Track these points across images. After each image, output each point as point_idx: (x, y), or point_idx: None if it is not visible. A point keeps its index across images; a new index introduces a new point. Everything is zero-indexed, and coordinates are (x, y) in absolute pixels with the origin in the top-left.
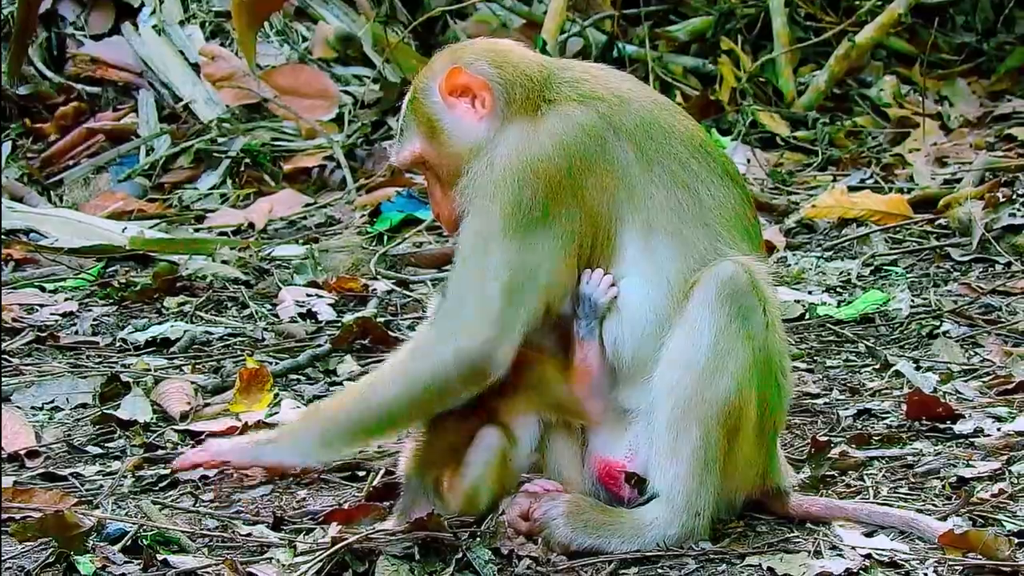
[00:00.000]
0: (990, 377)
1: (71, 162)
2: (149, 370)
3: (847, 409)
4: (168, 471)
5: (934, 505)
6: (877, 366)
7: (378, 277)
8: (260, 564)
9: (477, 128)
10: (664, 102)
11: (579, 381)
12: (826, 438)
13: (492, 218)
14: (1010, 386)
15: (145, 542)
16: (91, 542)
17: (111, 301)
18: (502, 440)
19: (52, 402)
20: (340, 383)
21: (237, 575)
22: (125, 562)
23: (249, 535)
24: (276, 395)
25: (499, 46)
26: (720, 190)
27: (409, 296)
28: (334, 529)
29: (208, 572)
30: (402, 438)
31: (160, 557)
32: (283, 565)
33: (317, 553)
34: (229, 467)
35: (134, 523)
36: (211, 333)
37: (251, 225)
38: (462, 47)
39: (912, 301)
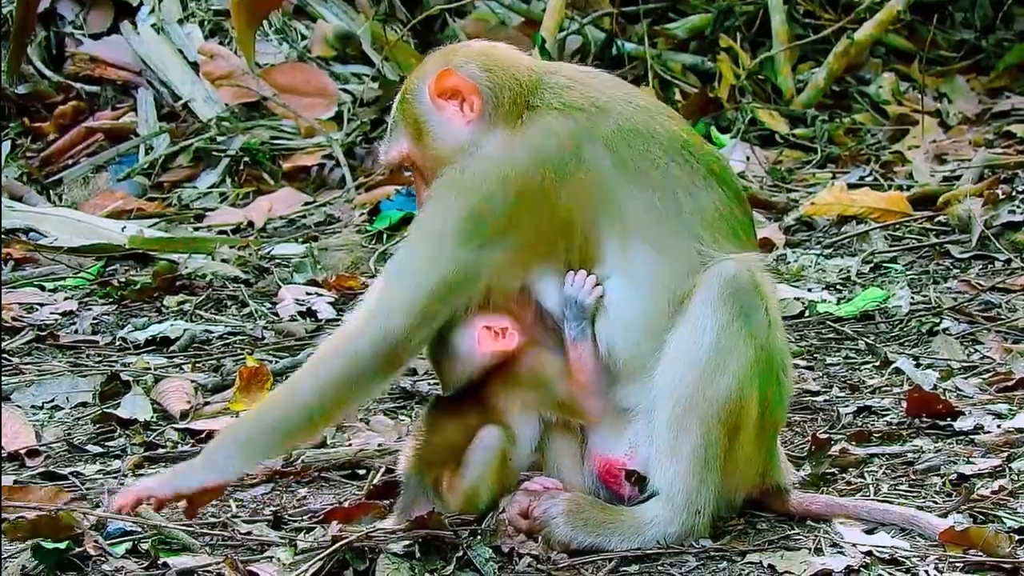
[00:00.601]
0: (990, 374)
1: (70, 161)
2: (149, 369)
3: (847, 406)
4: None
5: (934, 502)
6: (877, 363)
7: (377, 275)
8: (260, 563)
9: (463, 131)
10: (647, 105)
11: (575, 381)
12: (826, 435)
13: (447, 220)
14: (1010, 383)
15: (146, 546)
16: (88, 542)
17: (111, 300)
18: (502, 439)
19: (52, 401)
20: None
21: (238, 574)
22: (122, 556)
23: (249, 533)
24: None
25: (492, 49)
26: (702, 192)
27: None
28: (334, 528)
29: (209, 571)
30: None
31: (161, 559)
32: (284, 564)
33: (317, 552)
34: (153, 503)
35: (134, 523)
36: (211, 332)
37: (250, 224)
38: (454, 49)
39: (912, 298)
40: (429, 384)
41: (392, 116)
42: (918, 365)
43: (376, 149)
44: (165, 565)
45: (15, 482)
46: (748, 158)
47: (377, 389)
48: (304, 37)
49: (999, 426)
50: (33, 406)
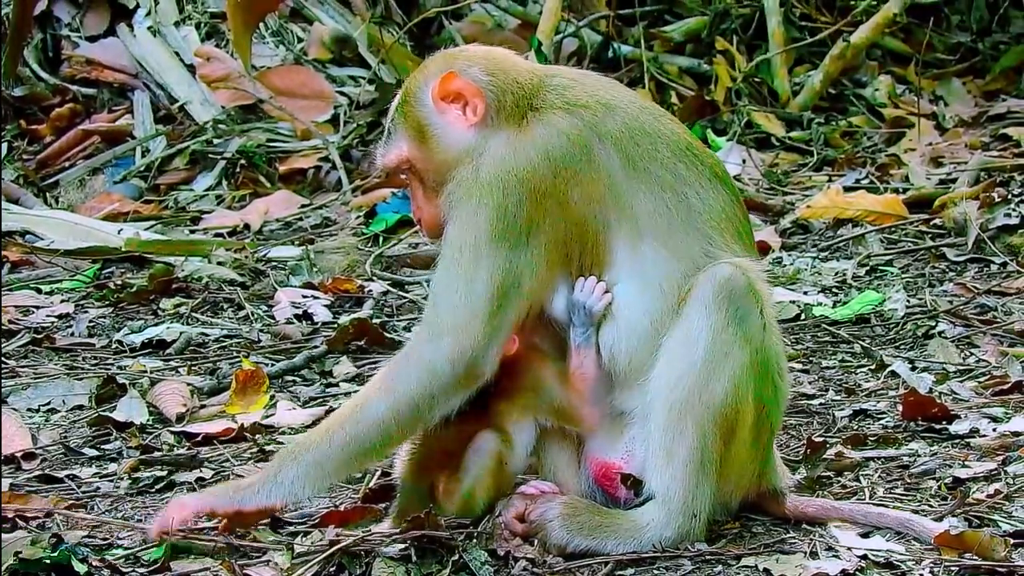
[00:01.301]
0: (986, 377)
1: (67, 164)
2: (145, 372)
3: (843, 410)
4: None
5: (930, 506)
6: (873, 366)
7: (374, 278)
8: (257, 567)
9: (466, 135)
10: (650, 107)
11: (576, 388)
12: (822, 439)
13: (478, 225)
14: (1006, 386)
15: (147, 557)
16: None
17: (107, 303)
18: (498, 444)
19: (48, 404)
20: (336, 384)
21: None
22: (119, 560)
23: (244, 537)
24: (272, 397)
25: (493, 53)
26: (709, 193)
27: (405, 297)
28: (331, 532)
29: (206, 574)
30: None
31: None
32: (281, 568)
33: (314, 555)
34: (215, 516)
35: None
36: (207, 335)
37: (247, 226)
38: (455, 53)
39: (908, 301)
40: None
41: (390, 119)
42: (914, 368)
43: (372, 152)
44: (166, 568)
45: (12, 485)
46: (744, 161)
47: (454, 405)
48: (300, 40)
49: (995, 429)
50: (29, 409)
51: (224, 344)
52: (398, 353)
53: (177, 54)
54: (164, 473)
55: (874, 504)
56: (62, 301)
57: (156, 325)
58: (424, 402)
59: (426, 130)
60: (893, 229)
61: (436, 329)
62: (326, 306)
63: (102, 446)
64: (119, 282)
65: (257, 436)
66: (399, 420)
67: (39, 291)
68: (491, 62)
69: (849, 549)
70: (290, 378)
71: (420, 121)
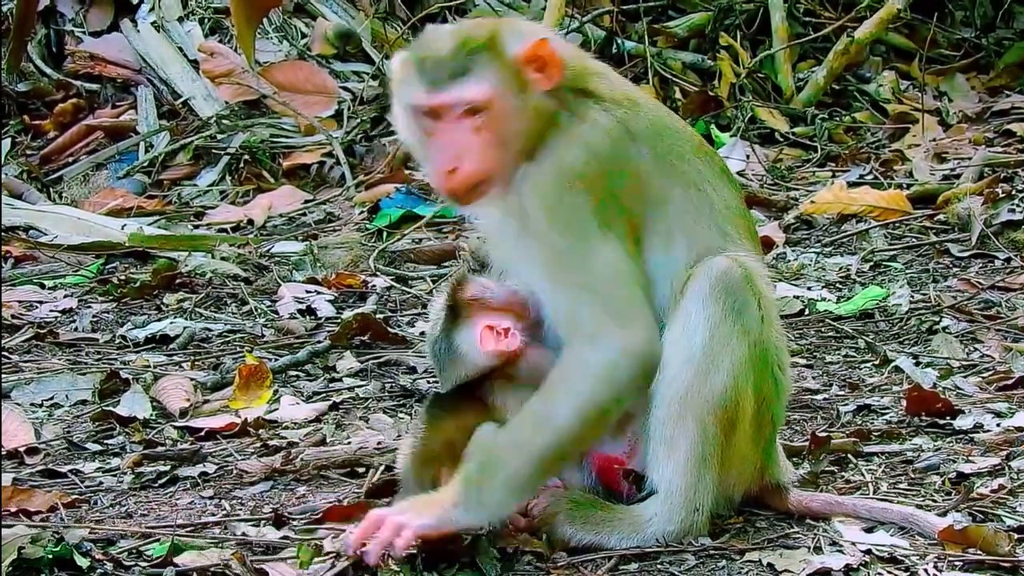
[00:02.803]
0: (990, 373)
1: (70, 159)
2: (148, 367)
3: (847, 405)
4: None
5: (934, 501)
6: (876, 362)
7: (377, 273)
8: (272, 562)
9: (544, 101)
10: (658, 103)
11: None
12: (825, 434)
13: (569, 225)
14: (1009, 381)
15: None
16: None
17: (110, 298)
18: None
19: (51, 399)
20: (339, 379)
21: (247, 569)
22: (125, 554)
23: (245, 534)
24: (275, 391)
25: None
26: (724, 189)
27: (408, 292)
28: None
29: (215, 570)
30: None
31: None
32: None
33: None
34: (429, 536)
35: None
36: (210, 330)
37: (250, 222)
38: (516, 22)
39: (911, 297)
40: (428, 382)
41: (471, 56)
42: (918, 364)
43: (376, 147)
44: (172, 564)
45: (14, 480)
46: (748, 156)
47: (642, 394)
48: (304, 35)
49: (998, 425)
50: (32, 404)
51: (227, 339)
52: (557, 371)
53: (181, 49)
54: (167, 468)
55: (878, 499)
56: (65, 296)
57: (160, 320)
58: (610, 404)
59: (511, 81)
60: (897, 225)
61: (592, 332)
62: (329, 301)
63: (105, 441)
64: (123, 277)
65: (260, 431)
66: (585, 424)
67: (42, 286)
68: (557, 37)
69: (853, 544)
70: (293, 373)
71: (508, 71)
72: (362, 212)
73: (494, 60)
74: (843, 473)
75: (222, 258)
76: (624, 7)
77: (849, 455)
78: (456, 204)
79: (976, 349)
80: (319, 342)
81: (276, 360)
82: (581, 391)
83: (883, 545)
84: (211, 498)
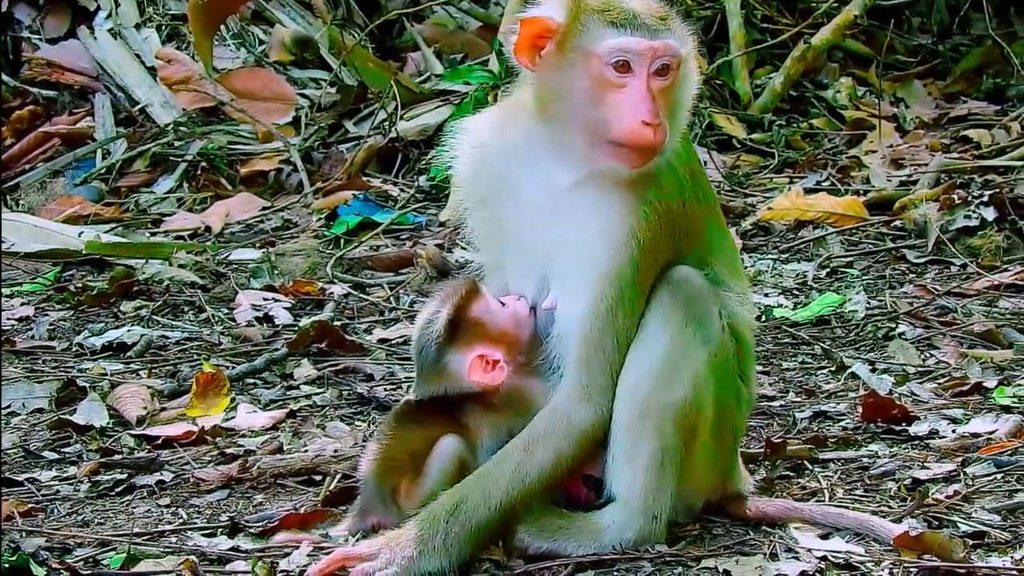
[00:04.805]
0: (945, 379)
1: (27, 166)
2: (105, 374)
3: (803, 411)
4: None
5: (889, 507)
6: (833, 368)
7: (335, 281)
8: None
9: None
10: None
11: None
12: (781, 440)
13: (635, 267)
14: (965, 388)
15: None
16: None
17: (67, 305)
18: (460, 447)
19: (8, 407)
20: (297, 387)
21: None
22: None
23: (201, 541)
24: (232, 399)
25: None
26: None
27: (366, 300)
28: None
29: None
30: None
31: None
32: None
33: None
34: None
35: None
36: (167, 337)
37: (208, 229)
38: None
39: (868, 303)
40: (386, 390)
41: (668, 14)
42: (874, 370)
43: (334, 154)
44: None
45: None
46: (705, 163)
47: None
48: (262, 42)
49: (954, 431)
50: None
51: (185, 347)
52: (547, 411)
53: (138, 56)
54: (124, 476)
55: (834, 505)
56: (22, 304)
57: (117, 328)
58: (572, 463)
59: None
60: (854, 231)
61: (590, 391)
62: (287, 309)
63: (62, 449)
64: (80, 285)
65: (218, 439)
66: (545, 478)
67: None
68: None
69: (809, 550)
70: (251, 381)
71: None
72: (320, 219)
73: (685, 29)
74: (799, 479)
75: (179, 265)
76: None
77: (805, 461)
78: (635, 161)
79: (932, 355)
80: (276, 350)
81: (233, 368)
82: (561, 450)
83: (839, 551)
84: (168, 506)
